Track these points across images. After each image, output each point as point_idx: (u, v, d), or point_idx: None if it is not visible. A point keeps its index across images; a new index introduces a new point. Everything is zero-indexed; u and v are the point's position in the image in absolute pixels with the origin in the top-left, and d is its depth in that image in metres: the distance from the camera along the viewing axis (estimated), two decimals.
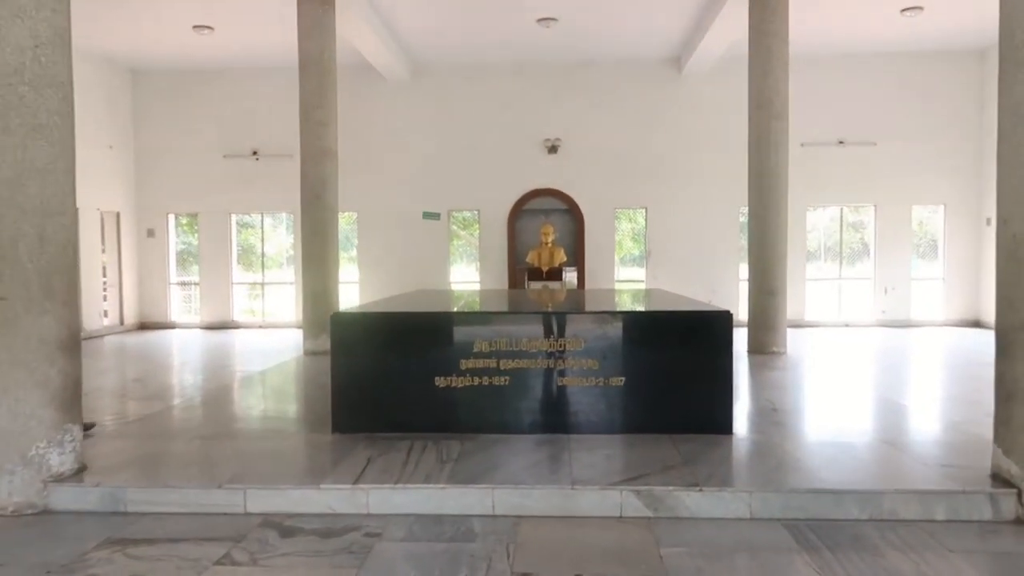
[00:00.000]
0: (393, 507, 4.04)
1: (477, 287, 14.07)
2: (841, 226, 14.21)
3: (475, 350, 5.14)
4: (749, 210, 9.52)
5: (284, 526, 3.84)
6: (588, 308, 6.31)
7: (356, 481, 4.15)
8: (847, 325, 13.65)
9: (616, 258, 14.16)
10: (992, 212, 13.04)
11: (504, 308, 6.51)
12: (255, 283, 14.93)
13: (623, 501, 4.01)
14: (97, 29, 11.57)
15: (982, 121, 13.34)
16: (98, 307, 13.18)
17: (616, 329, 5.25)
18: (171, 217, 14.58)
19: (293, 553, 3.52)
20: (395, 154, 13.94)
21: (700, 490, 4.01)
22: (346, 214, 14.15)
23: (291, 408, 6.76)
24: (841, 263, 14.20)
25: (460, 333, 5.25)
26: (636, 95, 13.71)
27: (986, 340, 11.52)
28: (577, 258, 13.65)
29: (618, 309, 6.08)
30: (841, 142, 13.55)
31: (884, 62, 13.37)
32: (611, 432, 5.11)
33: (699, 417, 5.11)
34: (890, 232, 13.69)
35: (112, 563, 3.42)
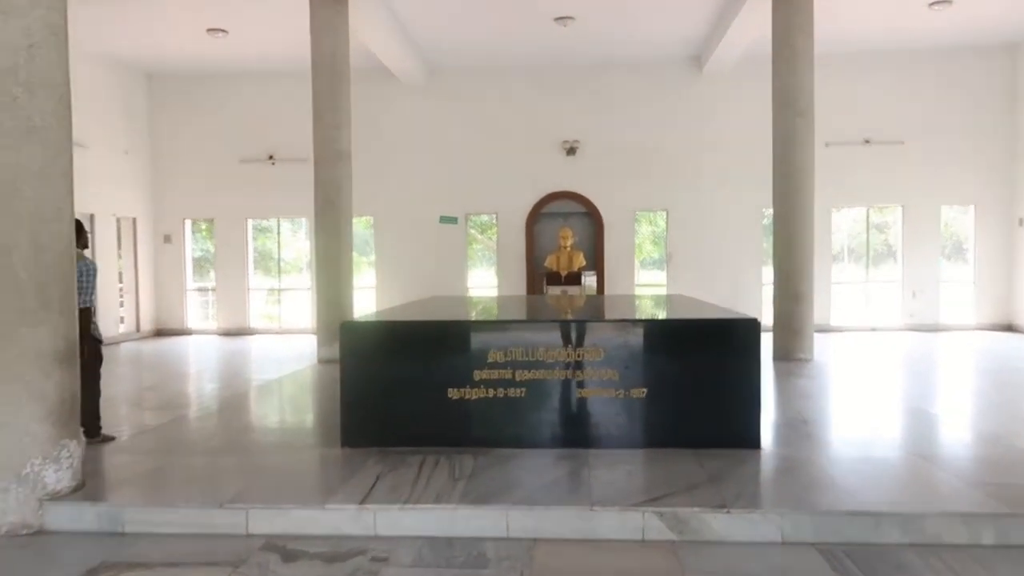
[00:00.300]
0: (402, 529, 3.82)
1: (495, 292, 13.88)
2: (867, 227, 13.84)
3: (489, 360, 4.92)
4: (774, 212, 9.25)
5: (287, 549, 3.64)
6: (608, 316, 6.09)
7: (363, 500, 3.94)
8: (874, 329, 13.28)
9: (636, 262, 13.89)
10: None
11: (520, 316, 6.28)
12: (272, 289, 14.83)
13: (645, 523, 3.76)
14: (111, 33, 11.51)
15: (1014, 118, 12.94)
16: (114, 314, 13.12)
17: (637, 338, 5.00)
18: (187, 222, 14.50)
19: None
20: (411, 157, 13.78)
21: (727, 512, 3.76)
22: (363, 218, 14.03)
23: (301, 420, 6.59)
24: (868, 265, 13.83)
25: (474, 342, 5.03)
26: (655, 95, 13.44)
27: (1019, 344, 11.16)
28: (596, 262, 13.41)
29: (639, 316, 5.84)
30: (867, 141, 13.19)
31: (911, 58, 13.00)
32: (632, 446, 4.87)
33: (725, 431, 4.86)
34: (918, 233, 13.30)
35: None
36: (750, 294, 13.21)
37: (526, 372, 4.91)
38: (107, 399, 5.76)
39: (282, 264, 14.86)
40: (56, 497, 3.97)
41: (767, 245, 13.35)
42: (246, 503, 3.94)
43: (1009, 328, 12.95)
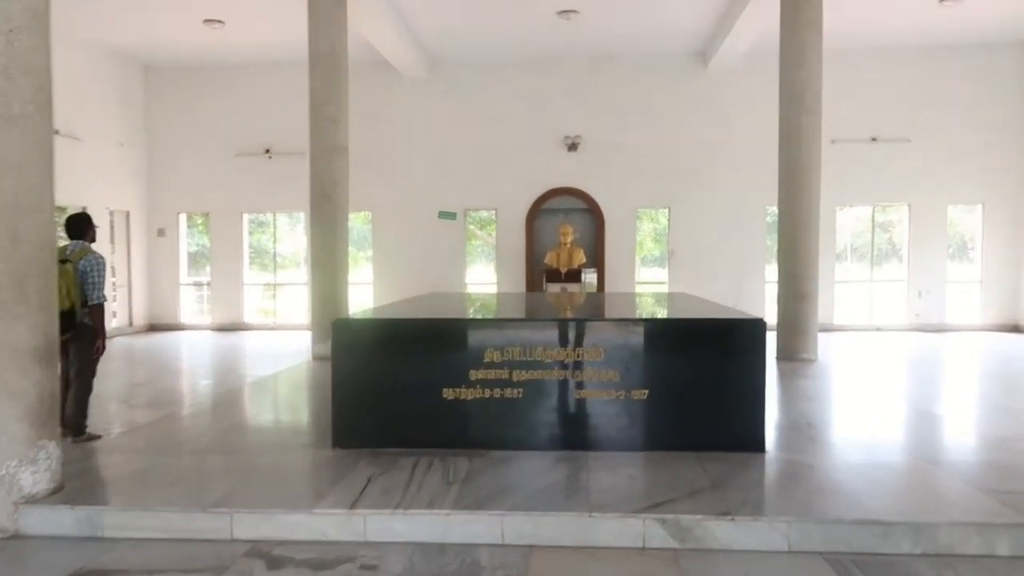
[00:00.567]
0: (393, 535, 3.69)
1: (494, 288, 13.77)
2: (872, 226, 13.71)
3: (486, 360, 4.79)
4: (779, 209, 9.11)
5: (272, 556, 3.51)
6: (608, 314, 5.95)
7: (353, 505, 3.82)
8: (879, 329, 13.15)
9: (637, 259, 13.76)
10: None
11: (518, 314, 6.15)
12: (268, 284, 14.71)
13: (646, 531, 3.64)
14: (107, 23, 11.36)
15: (1023, 116, 12.78)
16: (107, 308, 12.95)
17: (639, 337, 4.87)
18: (182, 216, 14.38)
19: None
20: (410, 152, 13.66)
21: (732, 519, 3.63)
22: (361, 213, 13.93)
23: (293, 419, 6.46)
24: (872, 264, 13.70)
25: (470, 341, 4.90)
26: (659, 91, 13.31)
27: None
28: (597, 259, 13.28)
29: (641, 315, 5.71)
30: (874, 139, 13.05)
31: (920, 54, 12.85)
32: (633, 449, 4.74)
33: (729, 434, 4.73)
34: (924, 232, 13.16)
35: None
36: (753, 293, 13.07)
37: (524, 372, 4.79)
38: (96, 396, 5.64)
39: (278, 259, 14.75)
40: (33, 500, 3.83)
41: (770, 243, 13.25)
42: (231, 507, 3.81)
43: (1016, 329, 12.82)
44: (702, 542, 3.60)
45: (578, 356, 4.80)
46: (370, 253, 14.12)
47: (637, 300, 7.50)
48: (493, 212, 13.89)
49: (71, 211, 5.88)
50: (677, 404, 4.76)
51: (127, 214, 13.62)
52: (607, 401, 4.77)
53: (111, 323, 13.09)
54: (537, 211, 13.54)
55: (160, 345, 11.91)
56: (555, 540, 3.65)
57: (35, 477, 3.85)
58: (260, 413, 6.73)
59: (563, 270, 12.18)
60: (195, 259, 14.91)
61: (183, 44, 12.59)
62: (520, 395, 4.78)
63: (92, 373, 5.49)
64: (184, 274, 14.49)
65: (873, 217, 13.71)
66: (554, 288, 11.95)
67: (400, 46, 11.76)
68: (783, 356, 8.81)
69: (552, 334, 4.88)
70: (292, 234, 14.99)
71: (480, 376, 4.79)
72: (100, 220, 12.66)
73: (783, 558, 3.50)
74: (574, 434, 4.81)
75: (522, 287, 13.44)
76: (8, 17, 3.75)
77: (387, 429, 4.84)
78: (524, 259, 13.53)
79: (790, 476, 4.34)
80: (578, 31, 11.78)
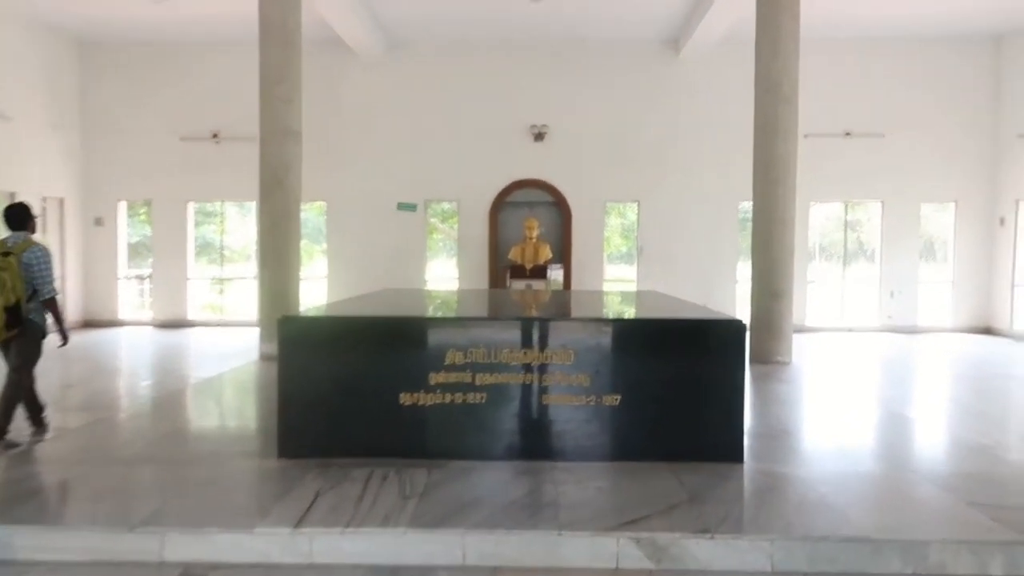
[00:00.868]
0: (343, 556, 3.48)
1: (456, 285, 13.57)
2: (845, 224, 13.80)
3: (447, 362, 4.60)
4: (753, 204, 9.03)
5: None
6: (578, 314, 5.77)
7: (299, 523, 3.58)
8: (850, 330, 13.22)
9: (604, 255, 13.65)
10: (1007, 210, 12.73)
11: (481, 312, 5.95)
12: (215, 278, 14.30)
13: (620, 550, 3.47)
14: None
15: (997, 112, 12.95)
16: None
17: (611, 339, 4.70)
18: (122, 204, 13.87)
19: None
20: (368, 139, 13.37)
21: (711, 537, 3.48)
22: (315, 204, 13.61)
23: (235, 425, 6.17)
24: (845, 264, 13.78)
25: (430, 341, 4.70)
26: (630, 79, 13.20)
27: (999, 348, 11.16)
28: (564, 255, 13.14)
29: (613, 315, 5.54)
30: (847, 133, 13.10)
31: (894, 47, 12.94)
32: (603, 459, 4.58)
33: (706, 443, 4.59)
34: (897, 231, 13.27)
35: None
36: (724, 291, 13.07)
37: (487, 375, 4.60)
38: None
39: (227, 251, 14.35)
40: None
41: (742, 240, 13.26)
42: (162, 525, 3.55)
43: (987, 331, 12.98)
44: (680, 562, 3.45)
45: (546, 358, 4.62)
46: (324, 246, 13.81)
47: (607, 299, 7.33)
48: (455, 204, 13.67)
49: (24, 201, 5.67)
50: (651, 411, 4.61)
51: (61, 201, 13.08)
52: (577, 407, 4.61)
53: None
54: (501, 203, 13.35)
55: (96, 343, 11.48)
56: (521, 561, 3.47)
57: None
58: (201, 418, 6.43)
59: (528, 266, 12.00)
60: (136, 250, 14.43)
61: (122, 19, 12.09)
62: (483, 400, 4.60)
63: (30, 375, 5.27)
64: (123, 267, 13.99)
65: (846, 214, 13.78)
66: (519, 285, 11.79)
67: (357, 24, 11.45)
68: (756, 358, 8.73)
69: (518, 334, 4.69)
70: (242, 225, 14.60)
71: (440, 380, 4.59)
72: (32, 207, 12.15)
73: None
74: (541, 443, 4.64)
75: (485, 283, 13.24)
76: None
77: (338, 437, 4.62)
78: (487, 254, 13.35)
79: (771, 489, 4.20)
80: (546, 15, 11.59)
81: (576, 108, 13.22)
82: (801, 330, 12.72)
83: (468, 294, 8.74)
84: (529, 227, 12.32)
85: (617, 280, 14.00)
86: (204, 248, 14.46)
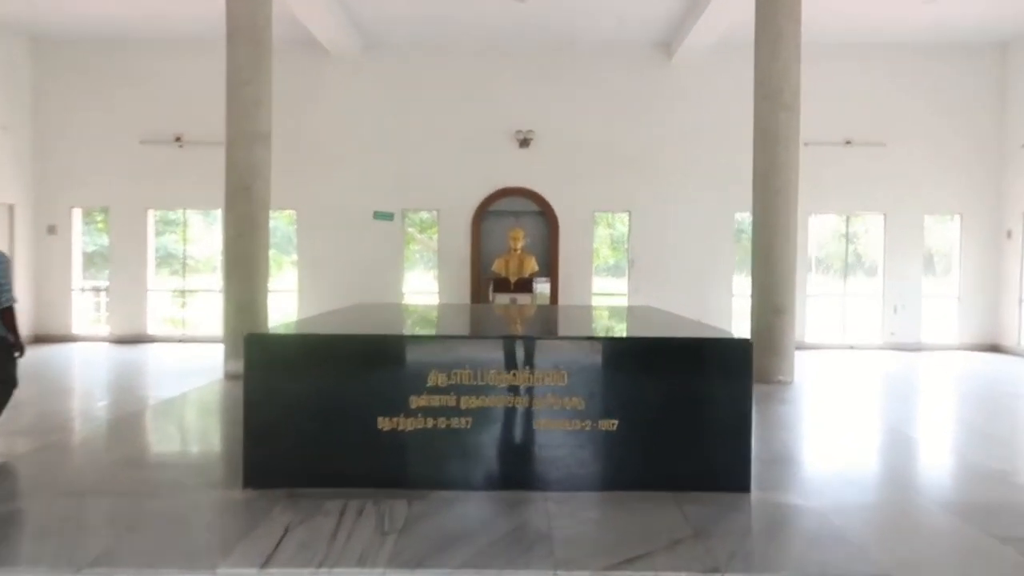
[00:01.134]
0: None
1: (435, 299, 13.42)
2: (847, 236, 13.81)
3: (429, 384, 4.45)
4: (753, 215, 8.98)
5: None
6: (570, 331, 5.65)
7: (266, 563, 3.41)
8: (851, 347, 13.19)
9: (593, 267, 13.57)
10: (1014, 223, 12.79)
11: (465, 330, 5.82)
12: (177, 290, 14.04)
13: None
14: None
15: (1003, 121, 13.03)
16: None
17: (607, 359, 4.59)
18: (77, 212, 13.61)
19: None
20: (342, 143, 13.22)
21: None
22: (285, 212, 13.43)
23: (197, 451, 5.97)
24: (846, 278, 13.78)
25: (410, 361, 4.55)
26: (620, 83, 13.15)
27: (1007, 367, 11.15)
28: (550, 267, 13.03)
29: (609, 333, 5.42)
30: (848, 142, 13.12)
31: (898, 54, 12.99)
32: (599, 488, 4.46)
33: (710, 471, 4.47)
34: (900, 244, 13.28)
35: None
36: (719, 305, 13.01)
37: (473, 398, 4.46)
38: None
39: (190, 262, 14.11)
40: None
41: (738, 252, 13.24)
42: (112, 566, 3.38)
43: (994, 348, 13.00)
44: None
45: (537, 380, 4.49)
46: (294, 257, 13.61)
47: (600, 314, 7.22)
48: (435, 213, 13.55)
49: None
50: (650, 436, 4.49)
51: (11, 208, 12.80)
52: (570, 432, 4.47)
53: None
54: (484, 213, 13.23)
55: (47, 359, 11.19)
56: None
57: None
58: (159, 444, 6.23)
59: (513, 279, 11.90)
60: (92, 260, 14.16)
61: (79, 15, 11.88)
62: (469, 425, 4.46)
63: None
64: (78, 278, 13.71)
65: (847, 226, 13.79)
66: (503, 299, 11.67)
67: (331, 22, 11.32)
68: (757, 378, 8.44)
69: (507, 354, 4.54)
70: (206, 234, 14.37)
71: (422, 403, 4.44)
72: None
73: None
74: (532, 471, 4.50)
75: (467, 298, 13.09)
76: None
77: (309, 466, 4.46)
78: (469, 266, 13.19)
79: (781, 521, 4.08)
80: (532, 16, 11.52)
81: (564, 113, 13.15)
82: (800, 347, 12.64)
83: (449, 309, 8.61)
84: (514, 238, 12.21)
85: (606, 294, 13.89)
86: (165, 258, 14.22)
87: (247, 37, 8.76)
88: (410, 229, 13.95)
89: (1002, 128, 13.06)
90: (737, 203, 12.61)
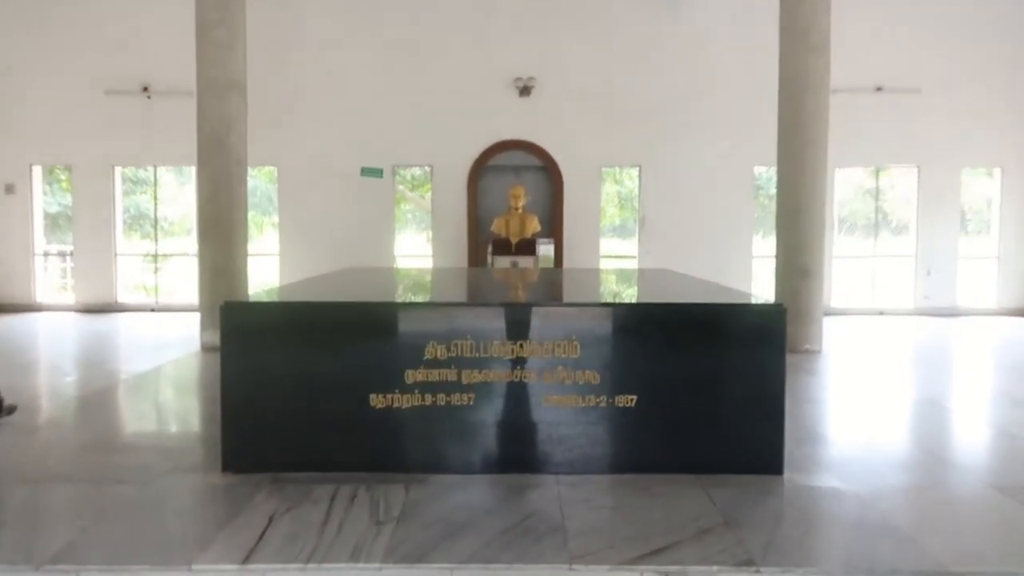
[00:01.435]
0: None
1: (430, 262, 13.37)
2: (876, 192, 13.66)
3: (427, 356, 4.29)
4: (778, 169, 8.88)
5: None
6: (582, 297, 5.50)
7: (248, 557, 3.27)
8: (881, 313, 13.11)
9: (600, 227, 13.45)
10: None
11: (465, 297, 5.68)
12: (148, 255, 13.89)
13: None
14: None
15: None
16: None
17: (624, 328, 4.43)
18: (37, 170, 13.52)
19: None
20: (326, 94, 13.09)
21: (757, 571, 3.20)
22: (264, 169, 13.32)
23: (171, 431, 5.84)
24: (876, 237, 13.64)
25: (406, 332, 4.41)
26: (630, 25, 12.95)
27: None
28: (554, 227, 12.94)
29: (626, 300, 5.27)
30: (879, 88, 12.92)
31: None
32: (616, 471, 4.32)
33: (739, 451, 4.34)
34: (934, 200, 13.15)
35: None
36: (738, 268, 12.95)
37: (476, 372, 4.31)
38: None
39: (163, 224, 13.98)
40: None
41: (758, 209, 13.10)
42: (76, 562, 3.23)
43: None
44: None
45: (547, 351, 4.33)
46: (276, 218, 13.49)
47: (612, 279, 7.07)
48: (428, 169, 13.45)
49: None
50: (673, 413, 4.34)
51: None
52: (584, 409, 4.33)
53: None
54: (482, 168, 13.12)
55: (7, 330, 11.13)
56: None
57: None
58: (130, 423, 6.11)
59: (514, 240, 11.81)
60: (55, 223, 14.07)
61: None
62: (471, 402, 4.32)
63: None
64: (40, 241, 13.63)
65: (877, 180, 13.63)
66: (503, 262, 11.60)
67: None
68: None
69: (513, 323, 4.39)
70: (181, 194, 14.23)
71: (419, 378, 4.30)
72: None
73: None
74: (541, 453, 4.36)
75: (464, 261, 13.04)
76: None
77: (295, 447, 4.33)
78: (466, 227, 13.14)
79: (820, 507, 3.95)
80: None
81: (568, 58, 12.99)
82: (826, 312, 12.56)
83: (446, 274, 8.48)
84: (514, 196, 12.09)
85: (615, 256, 13.83)
86: (136, 220, 14.09)
87: None
88: (401, 187, 13.85)
89: None
90: (757, 156, 12.48)
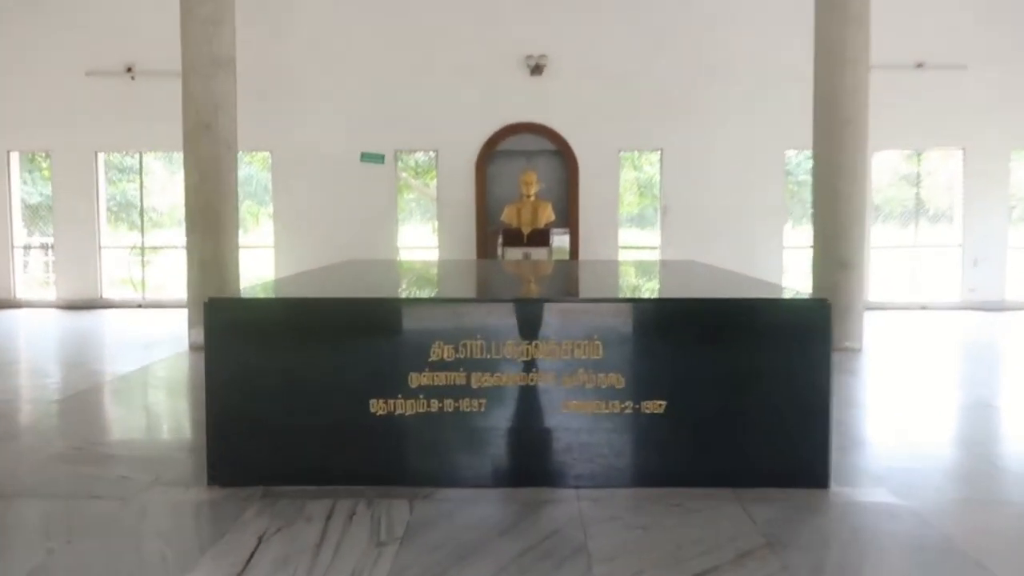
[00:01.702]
0: None
1: (435, 255, 13.34)
2: (918, 177, 13.48)
3: (433, 358, 4.19)
4: (815, 151, 8.78)
5: None
6: (603, 292, 5.37)
7: None
8: (924, 307, 12.94)
9: (619, 216, 13.36)
10: None
11: (474, 292, 5.58)
12: (135, 247, 13.85)
13: None
14: None
15: None
16: None
17: (651, 326, 4.31)
18: (15, 156, 13.54)
19: None
20: (323, 74, 13.04)
21: None
22: (258, 155, 13.27)
23: (155, 440, 5.75)
24: (917, 226, 13.47)
25: (410, 331, 4.31)
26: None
27: None
28: (569, 216, 12.86)
29: (653, 295, 5.12)
30: (920, 65, 12.74)
31: None
32: (643, 484, 4.20)
33: (779, 462, 4.20)
34: (981, 186, 12.99)
35: None
36: (768, 259, 12.85)
37: (487, 375, 4.19)
38: None
39: (151, 215, 13.94)
40: None
41: (789, 196, 12.95)
42: None
43: None
44: None
45: (565, 352, 4.20)
46: (270, 208, 13.46)
47: (635, 272, 6.93)
48: (432, 155, 13.45)
49: None
50: (706, 420, 4.22)
51: None
52: (607, 416, 4.21)
53: None
54: (490, 153, 13.08)
55: None
56: None
57: None
58: (110, 431, 6.01)
59: (526, 230, 11.75)
60: (36, 213, 14.09)
61: None
62: (482, 408, 4.21)
63: None
64: (19, 233, 13.63)
65: (919, 165, 13.46)
66: (515, 254, 11.53)
67: None
68: None
69: (528, 321, 4.25)
70: (170, 182, 14.22)
71: (425, 382, 4.19)
72: None
73: None
74: (560, 464, 4.24)
75: (472, 253, 13.00)
76: None
77: (288, 458, 4.24)
78: (474, 216, 13.09)
79: (872, 526, 3.77)
80: None
81: (583, 35, 12.93)
82: (865, 307, 12.46)
83: (453, 267, 8.37)
84: (526, 182, 12.04)
85: (635, 247, 13.78)
86: (121, 210, 14.05)
87: None
88: (403, 174, 13.84)
89: None
90: (788, 138, 12.35)
